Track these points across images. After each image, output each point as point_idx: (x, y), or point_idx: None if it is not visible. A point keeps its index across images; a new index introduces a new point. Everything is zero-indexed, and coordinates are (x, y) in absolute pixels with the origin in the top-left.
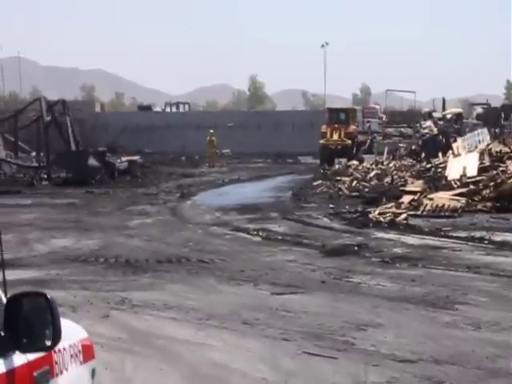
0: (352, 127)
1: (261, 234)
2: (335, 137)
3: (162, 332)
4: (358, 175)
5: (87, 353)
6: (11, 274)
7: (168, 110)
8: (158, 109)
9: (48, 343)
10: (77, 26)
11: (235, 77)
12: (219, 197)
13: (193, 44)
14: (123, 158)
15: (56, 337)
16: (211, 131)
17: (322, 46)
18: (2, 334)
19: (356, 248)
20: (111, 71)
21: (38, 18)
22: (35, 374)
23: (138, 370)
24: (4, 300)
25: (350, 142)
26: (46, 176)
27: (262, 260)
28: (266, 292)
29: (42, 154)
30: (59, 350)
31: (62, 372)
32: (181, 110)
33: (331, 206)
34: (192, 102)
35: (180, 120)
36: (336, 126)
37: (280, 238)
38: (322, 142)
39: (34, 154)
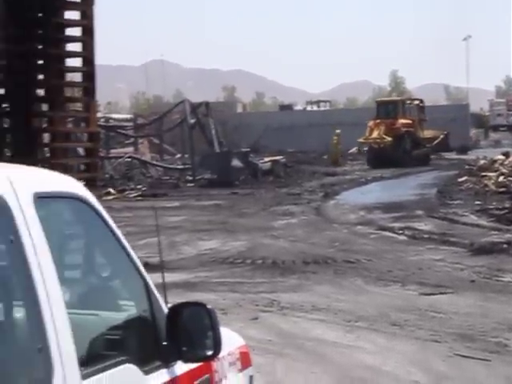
0: (400, 121)
1: (406, 232)
2: (374, 134)
3: (311, 334)
4: (504, 170)
5: (245, 360)
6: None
7: (309, 108)
8: (298, 107)
9: (209, 353)
10: (215, 28)
11: (376, 73)
12: (362, 195)
13: (333, 40)
14: (266, 158)
15: (217, 347)
16: (337, 131)
17: (465, 39)
18: (165, 343)
19: (505, 246)
20: (251, 71)
21: (179, 21)
22: (195, 382)
23: (290, 373)
24: (165, 310)
25: (389, 139)
26: (191, 178)
27: (408, 259)
28: (415, 292)
29: (186, 156)
30: (218, 359)
31: (221, 380)
32: (321, 108)
33: (478, 202)
34: (333, 100)
35: (321, 118)
36: (378, 121)
37: (426, 236)
38: (360, 140)
39: (178, 156)
